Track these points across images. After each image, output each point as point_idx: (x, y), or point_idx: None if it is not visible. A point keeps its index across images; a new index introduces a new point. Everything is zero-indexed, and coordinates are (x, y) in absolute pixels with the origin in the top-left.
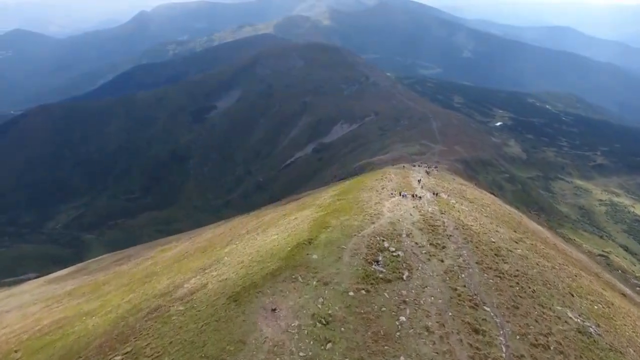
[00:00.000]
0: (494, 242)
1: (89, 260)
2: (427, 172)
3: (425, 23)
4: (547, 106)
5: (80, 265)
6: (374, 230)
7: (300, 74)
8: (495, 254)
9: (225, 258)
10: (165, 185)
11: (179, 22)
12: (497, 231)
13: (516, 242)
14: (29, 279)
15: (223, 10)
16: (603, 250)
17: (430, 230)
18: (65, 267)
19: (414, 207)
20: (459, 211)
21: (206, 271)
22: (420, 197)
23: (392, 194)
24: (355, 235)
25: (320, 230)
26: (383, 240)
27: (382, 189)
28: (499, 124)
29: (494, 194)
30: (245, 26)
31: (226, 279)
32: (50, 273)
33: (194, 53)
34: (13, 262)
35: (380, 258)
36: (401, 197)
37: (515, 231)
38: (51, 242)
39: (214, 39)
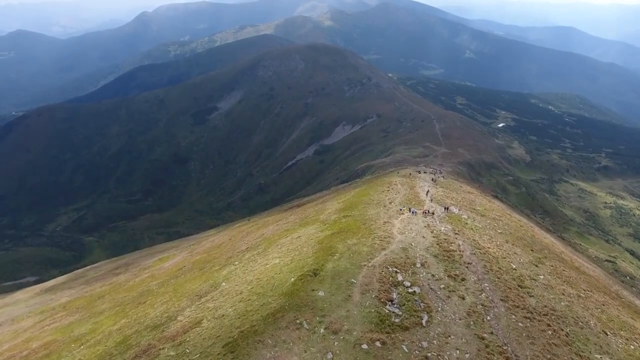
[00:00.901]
0: (514, 269)
1: (87, 267)
2: (434, 180)
3: (428, 23)
4: (550, 107)
5: (78, 272)
6: (385, 258)
7: (302, 76)
8: (519, 285)
9: (223, 284)
10: (166, 187)
11: (181, 22)
12: (515, 253)
13: (536, 266)
14: (28, 283)
15: (224, 11)
16: (609, 255)
17: (446, 257)
18: (65, 270)
19: (425, 226)
20: (472, 229)
21: (202, 299)
22: (431, 214)
23: (400, 209)
24: (365, 265)
25: (326, 257)
26: (396, 272)
27: (390, 203)
28: (501, 125)
29: (498, 198)
30: (247, 27)
31: (223, 315)
32: (49, 276)
33: (195, 54)
34: (12, 265)
35: (394, 296)
36: (411, 214)
37: (532, 250)
38: (51, 245)
39: (215, 40)
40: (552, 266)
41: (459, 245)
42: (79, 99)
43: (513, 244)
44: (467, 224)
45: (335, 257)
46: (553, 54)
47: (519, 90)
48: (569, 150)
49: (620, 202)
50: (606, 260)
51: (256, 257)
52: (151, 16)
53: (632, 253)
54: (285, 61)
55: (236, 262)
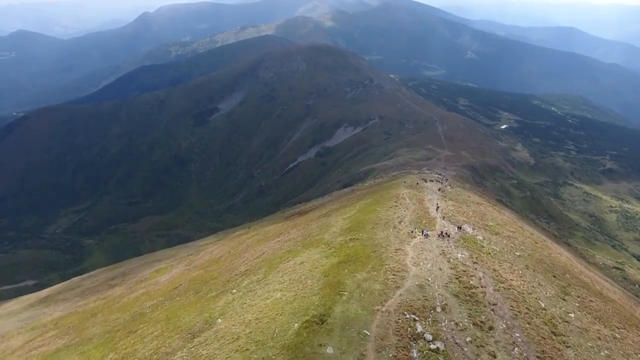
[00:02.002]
0: (544, 308)
1: (84, 275)
2: (441, 190)
3: (429, 24)
4: (553, 108)
5: (74, 280)
6: (400, 300)
7: (303, 77)
8: (553, 332)
9: (219, 320)
10: (166, 189)
11: (182, 23)
12: (539, 284)
13: (564, 299)
14: (27, 287)
15: (225, 12)
16: (617, 262)
17: (468, 297)
18: (64, 273)
19: (440, 253)
20: (490, 254)
21: (195, 341)
22: (445, 235)
23: (412, 231)
24: (378, 309)
25: (333, 297)
26: (415, 320)
27: (399, 222)
28: (504, 126)
29: (502, 202)
30: (248, 27)
31: None
32: (48, 280)
33: (196, 54)
34: (12, 268)
35: (415, 354)
36: (423, 237)
37: (554, 276)
38: (51, 248)
39: (216, 41)
40: (578, 297)
41: (479, 278)
42: (79, 99)
43: (534, 270)
44: (483, 247)
45: (344, 298)
46: (555, 55)
47: (520, 91)
48: (573, 153)
49: (626, 205)
50: (614, 267)
51: (255, 285)
52: (152, 16)
53: (639, 259)
54: (286, 62)
55: (234, 290)
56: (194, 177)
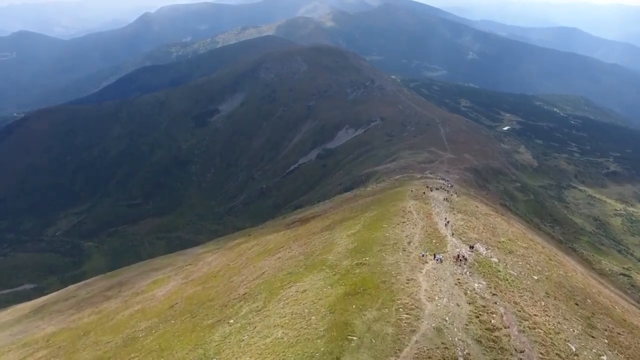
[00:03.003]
0: (575, 353)
1: (81, 283)
2: (447, 200)
3: (430, 24)
4: (555, 109)
5: (70, 289)
6: (417, 349)
7: (304, 78)
8: None
9: None
10: (167, 191)
11: (183, 23)
12: (565, 318)
13: (592, 336)
14: (25, 291)
15: (226, 12)
16: (624, 267)
17: (492, 342)
18: (63, 277)
19: (455, 283)
20: (508, 282)
21: None
22: (459, 259)
23: (423, 255)
24: None
25: (341, 343)
26: None
27: (409, 243)
28: (506, 128)
29: (506, 206)
30: (249, 28)
31: None
32: (47, 284)
33: (197, 55)
34: (10, 272)
35: None
36: (435, 262)
37: (576, 304)
38: (50, 251)
39: (217, 41)
40: (605, 330)
41: (501, 315)
42: (80, 100)
43: (555, 298)
44: (499, 271)
45: (352, 345)
46: (556, 55)
47: (522, 92)
48: (576, 155)
49: (631, 209)
50: (621, 274)
51: (255, 316)
52: (153, 17)
53: None
54: (287, 63)
55: (231, 320)
56: (195, 179)
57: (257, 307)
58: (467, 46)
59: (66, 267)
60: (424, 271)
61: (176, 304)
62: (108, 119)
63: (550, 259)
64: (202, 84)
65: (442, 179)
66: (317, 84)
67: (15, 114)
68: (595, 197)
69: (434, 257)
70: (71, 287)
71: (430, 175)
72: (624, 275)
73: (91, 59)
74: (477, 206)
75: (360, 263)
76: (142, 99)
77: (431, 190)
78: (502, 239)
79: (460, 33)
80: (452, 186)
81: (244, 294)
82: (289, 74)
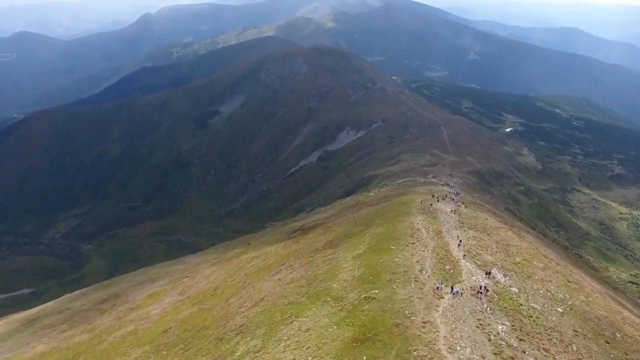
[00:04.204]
0: None
1: (76, 293)
2: (455, 212)
3: (431, 24)
4: (557, 110)
5: (65, 299)
6: None
7: (305, 79)
8: None
9: None
10: (167, 193)
11: (183, 24)
12: None
13: None
14: (23, 295)
15: (227, 13)
16: (631, 274)
17: None
18: (61, 281)
19: (477, 325)
20: (532, 318)
21: None
22: (477, 292)
23: (437, 287)
24: None
25: None
26: None
27: (421, 271)
28: (509, 129)
29: (511, 211)
30: (250, 28)
31: None
32: (45, 288)
33: (197, 56)
34: (8, 276)
35: None
36: (452, 296)
37: (607, 342)
38: (49, 254)
39: (218, 42)
40: None
41: None
42: (80, 100)
43: (584, 337)
44: (521, 305)
45: None
46: (557, 55)
47: (523, 92)
48: (580, 157)
49: (636, 213)
50: (629, 282)
51: (253, 350)
52: (154, 17)
53: None
54: (288, 64)
55: (232, 341)
56: (195, 181)
57: (255, 346)
58: (468, 46)
59: (65, 271)
60: (440, 309)
61: (170, 328)
62: (108, 120)
63: (568, 281)
64: (203, 85)
65: (447, 185)
66: (318, 85)
67: (15, 115)
68: (599, 200)
69: (451, 289)
70: (66, 297)
71: (433, 180)
72: (633, 283)
73: (92, 59)
74: (486, 219)
75: (369, 297)
76: (142, 100)
77: (437, 200)
78: (518, 259)
79: (461, 33)
80: (458, 194)
81: (242, 326)
82: (290, 75)
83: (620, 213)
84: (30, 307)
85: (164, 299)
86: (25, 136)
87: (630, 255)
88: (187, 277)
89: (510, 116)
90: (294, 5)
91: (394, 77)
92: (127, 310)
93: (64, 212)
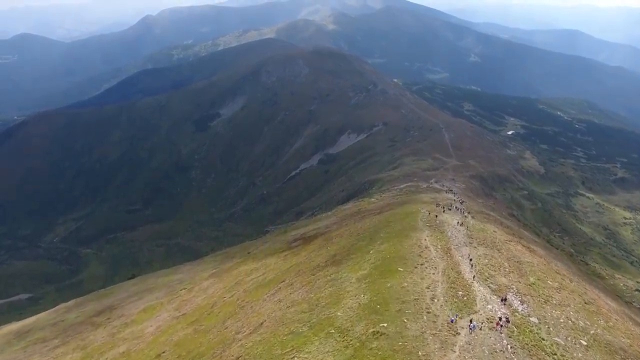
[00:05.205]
0: None
1: (71, 303)
2: (461, 224)
3: (432, 27)
4: (559, 113)
5: (60, 310)
6: None
7: (306, 81)
8: None
9: None
10: (166, 196)
11: (184, 25)
12: None
13: None
14: (20, 301)
15: (228, 15)
16: (638, 282)
17: None
18: (60, 286)
19: None
20: (558, 357)
21: None
22: (496, 324)
23: (452, 321)
24: None
25: None
26: None
27: (432, 299)
28: (510, 132)
29: (514, 216)
30: (250, 30)
31: None
32: (42, 293)
33: (198, 58)
34: (6, 281)
35: None
36: (469, 331)
37: None
38: (47, 258)
39: (218, 44)
40: None
41: None
42: (81, 102)
43: None
44: (543, 339)
45: None
46: (559, 57)
47: (525, 94)
48: (583, 160)
49: None
50: (636, 290)
51: None
52: (155, 19)
53: None
54: (288, 66)
55: None
56: (195, 184)
57: None
58: (469, 49)
59: (63, 275)
60: (457, 349)
61: (163, 352)
62: (108, 123)
63: (585, 302)
64: (203, 87)
65: (450, 191)
66: (318, 87)
67: (15, 117)
68: (603, 205)
69: (470, 324)
70: (61, 306)
71: (436, 185)
72: None
73: (93, 61)
74: (494, 231)
75: (377, 332)
76: (142, 103)
77: (443, 211)
78: (532, 279)
79: (462, 35)
80: (462, 202)
81: (238, 358)
82: (291, 77)
83: (625, 218)
84: (27, 313)
85: (159, 314)
86: (25, 139)
87: (636, 261)
88: (184, 289)
89: (511, 119)
90: (295, 7)
91: (395, 80)
92: (122, 325)
93: (63, 215)
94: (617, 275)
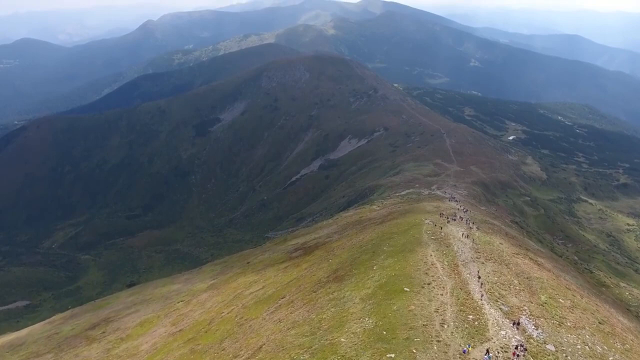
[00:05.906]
0: None
1: (67, 314)
2: (466, 236)
3: (433, 32)
4: (560, 117)
5: (55, 321)
6: None
7: (307, 87)
8: None
9: None
10: (166, 202)
11: (185, 31)
12: None
13: None
14: (17, 309)
15: (228, 20)
16: None
17: None
18: (57, 293)
19: None
20: None
21: None
22: (514, 354)
23: (464, 351)
24: None
25: None
26: None
27: (442, 325)
28: (512, 137)
29: (517, 223)
30: (251, 35)
31: None
32: (40, 300)
33: (199, 63)
34: (3, 288)
35: None
36: None
37: None
38: (45, 264)
39: (219, 49)
40: None
41: None
42: (82, 107)
43: None
44: None
45: None
46: (559, 62)
47: (525, 99)
48: (585, 166)
49: None
50: None
51: None
52: (156, 24)
53: None
54: (289, 71)
55: None
56: (194, 190)
57: None
58: (470, 53)
59: (61, 282)
60: None
61: None
62: (107, 127)
63: (600, 323)
64: (204, 92)
65: (453, 199)
66: (319, 92)
67: (16, 122)
68: (606, 211)
69: (486, 355)
70: (57, 317)
71: (438, 192)
72: None
73: (94, 66)
74: (501, 243)
75: None
76: (142, 108)
77: (447, 221)
78: (543, 298)
79: (462, 40)
80: (466, 211)
81: None
82: (291, 82)
83: (628, 224)
84: (24, 321)
85: (155, 329)
86: (24, 144)
87: None
88: (181, 301)
89: (513, 124)
90: (295, 12)
91: (396, 85)
92: (117, 340)
93: (62, 221)
94: (622, 284)
